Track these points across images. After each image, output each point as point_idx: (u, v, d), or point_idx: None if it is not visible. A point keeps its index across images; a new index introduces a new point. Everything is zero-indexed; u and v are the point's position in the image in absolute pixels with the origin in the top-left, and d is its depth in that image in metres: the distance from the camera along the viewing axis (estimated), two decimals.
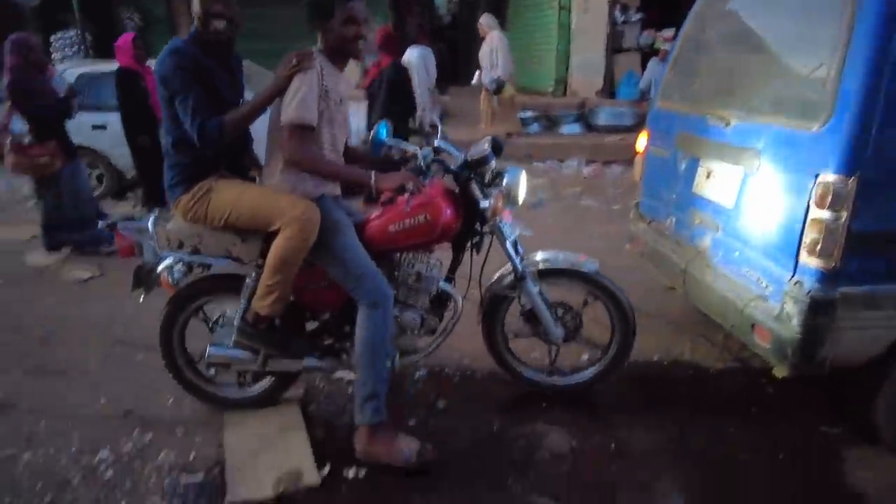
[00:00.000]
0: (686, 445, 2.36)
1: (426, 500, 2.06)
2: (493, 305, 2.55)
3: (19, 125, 4.33)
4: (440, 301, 2.44)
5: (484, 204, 2.30)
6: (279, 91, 2.09)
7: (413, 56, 6.21)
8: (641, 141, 3.32)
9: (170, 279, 2.37)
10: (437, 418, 2.52)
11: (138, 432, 2.43)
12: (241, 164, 2.40)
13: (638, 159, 3.39)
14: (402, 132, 3.66)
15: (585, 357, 2.83)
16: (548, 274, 2.49)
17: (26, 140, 4.12)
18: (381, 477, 2.16)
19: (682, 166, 2.88)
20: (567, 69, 10.10)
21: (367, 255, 2.19)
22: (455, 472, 2.21)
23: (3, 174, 7.32)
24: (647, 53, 9.46)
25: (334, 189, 2.34)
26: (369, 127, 3.94)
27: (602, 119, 8.71)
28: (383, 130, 2.36)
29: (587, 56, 9.81)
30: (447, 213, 2.27)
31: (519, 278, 2.43)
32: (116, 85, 4.59)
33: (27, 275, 4.23)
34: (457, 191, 2.36)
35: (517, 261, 2.41)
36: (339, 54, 2.20)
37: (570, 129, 8.86)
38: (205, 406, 2.57)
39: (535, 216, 5.53)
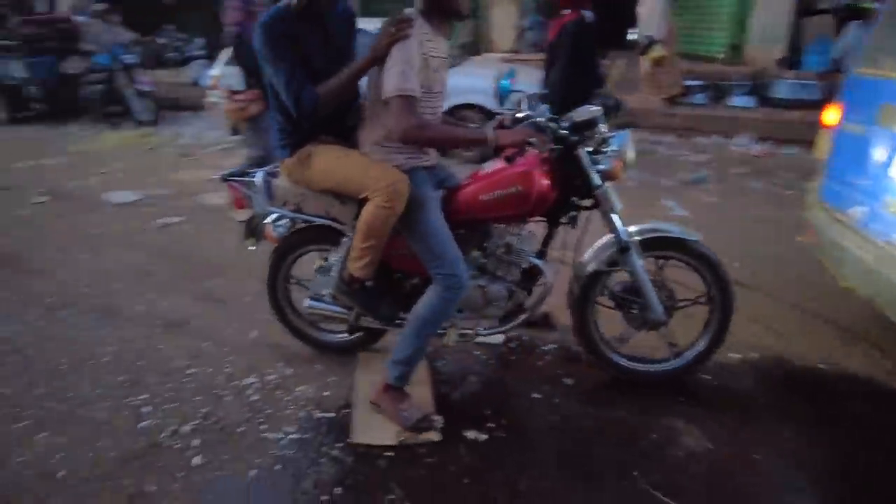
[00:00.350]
0: (844, 468, 2.06)
1: (545, 476, 2.01)
2: (589, 284, 2.38)
3: (208, 78, 4.85)
4: (531, 275, 2.35)
5: (600, 166, 2.16)
6: (375, 61, 2.03)
7: None
8: (830, 114, 2.87)
9: (274, 233, 2.49)
10: (563, 396, 2.44)
11: (282, 365, 2.64)
12: (344, 125, 2.33)
13: (823, 135, 2.94)
14: (581, 93, 3.41)
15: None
16: (648, 246, 2.30)
17: (237, 87, 4.58)
18: (501, 445, 2.15)
19: (883, 145, 2.44)
20: (743, 33, 9.05)
21: (450, 236, 2.13)
22: (577, 453, 2.13)
23: (194, 122, 8.30)
24: (845, 16, 8.13)
25: (428, 160, 2.27)
26: (547, 86, 3.72)
27: (781, 92, 7.72)
28: (507, 81, 2.29)
29: (769, 18, 8.68)
30: (542, 184, 2.15)
31: (623, 250, 2.25)
32: None
33: (203, 213, 4.76)
34: (555, 157, 2.20)
35: (622, 231, 2.24)
36: (440, 14, 2.07)
37: (740, 101, 7.98)
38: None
39: (691, 196, 5.11)
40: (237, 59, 4.50)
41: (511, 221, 2.28)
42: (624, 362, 2.48)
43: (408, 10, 2.05)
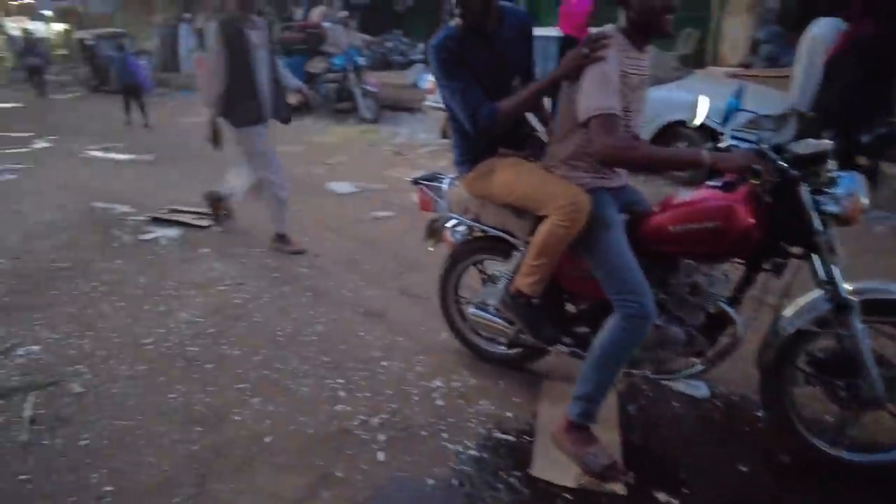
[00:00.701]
0: None
1: None
2: (789, 345, 1.99)
3: (426, 81, 5.09)
4: (718, 323, 2.06)
5: (827, 208, 1.82)
6: (561, 79, 1.97)
7: (816, 31, 4.84)
8: None
9: (451, 237, 2.59)
10: (776, 476, 2.07)
11: (467, 374, 2.65)
12: (518, 135, 2.30)
13: None
14: (860, 119, 2.90)
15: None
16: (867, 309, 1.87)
17: None
18: None
19: None
20: None
21: (634, 262, 1.95)
22: None
23: (409, 122, 8.90)
24: None
25: (615, 181, 2.13)
26: (818, 107, 3.21)
27: None
28: (737, 100, 2.05)
29: None
30: (746, 222, 1.87)
31: (841, 308, 1.85)
32: (560, 52, 4.92)
33: (411, 210, 5.01)
34: (768, 192, 1.85)
35: (842, 287, 1.85)
36: (643, 31, 1.92)
37: None
38: (527, 370, 2.66)
39: None
40: None
41: (703, 259, 2.05)
42: (826, 447, 2.06)
43: (608, 27, 1.96)
